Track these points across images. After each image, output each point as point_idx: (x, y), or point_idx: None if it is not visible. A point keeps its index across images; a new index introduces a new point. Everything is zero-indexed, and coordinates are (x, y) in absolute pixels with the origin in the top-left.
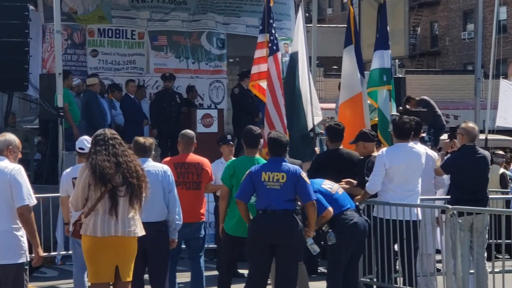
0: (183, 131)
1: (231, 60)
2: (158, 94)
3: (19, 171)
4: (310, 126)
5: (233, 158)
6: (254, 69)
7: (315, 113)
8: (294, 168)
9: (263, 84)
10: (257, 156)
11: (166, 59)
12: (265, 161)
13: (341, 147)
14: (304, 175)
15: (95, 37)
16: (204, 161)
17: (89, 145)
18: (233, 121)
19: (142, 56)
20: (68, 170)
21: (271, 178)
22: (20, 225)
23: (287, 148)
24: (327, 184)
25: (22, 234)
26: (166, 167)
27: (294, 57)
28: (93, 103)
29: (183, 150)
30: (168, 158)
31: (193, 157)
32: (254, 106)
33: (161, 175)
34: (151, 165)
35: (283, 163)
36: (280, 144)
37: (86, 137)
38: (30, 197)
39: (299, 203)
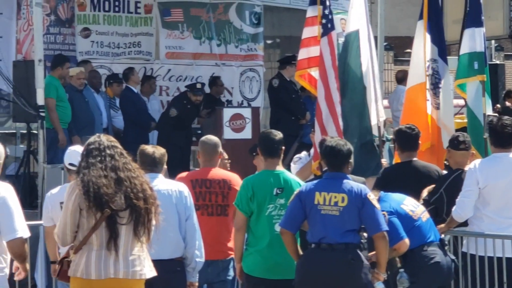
0: (204, 138)
1: (269, 42)
2: (178, 106)
3: (9, 193)
4: (375, 130)
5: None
6: (302, 54)
7: (380, 114)
8: (359, 187)
9: (315, 73)
10: (280, 168)
11: (183, 40)
12: (291, 176)
13: (415, 158)
14: (372, 197)
15: (87, 11)
16: (233, 177)
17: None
18: (272, 123)
19: (150, 37)
20: (54, 191)
21: (328, 201)
22: (5, 264)
23: (350, 160)
24: (409, 205)
25: (5, 274)
26: (182, 186)
27: (351, 38)
28: (75, 100)
29: (205, 162)
30: (184, 174)
31: (217, 172)
32: (300, 103)
33: (176, 196)
34: (163, 183)
35: (344, 181)
36: (340, 154)
37: (78, 147)
38: (24, 228)
39: (365, 234)
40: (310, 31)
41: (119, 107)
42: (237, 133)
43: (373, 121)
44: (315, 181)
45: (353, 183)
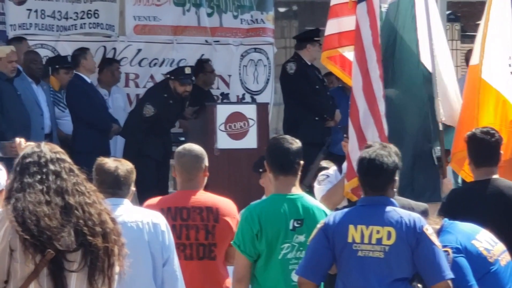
0: (181, 147)
1: (282, 10)
2: (156, 102)
3: None
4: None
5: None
6: (331, 27)
7: (447, 113)
8: (412, 218)
9: (350, 54)
10: (298, 191)
11: (158, 7)
12: (314, 202)
13: (496, 176)
14: (430, 231)
15: None
16: (222, 203)
17: (1, 181)
18: (287, 127)
19: (112, 3)
20: None
21: (368, 238)
22: None
23: (396, 178)
24: (485, 241)
25: None
26: (157, 216)
27: (403, 4)
28: (3, 93)
29: (182, 183)
30: (154, 200)
31: (199, 197)
32: (326, 98)
33: (149, 231)
34: (130, 213)
35: (390, 209)
36: (382, 170)
37: None
38: None
39: (419, 286)
40: None
41: (65, 101)
42: (236, 141)
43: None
44: (347, 210)
45: (403, 211)
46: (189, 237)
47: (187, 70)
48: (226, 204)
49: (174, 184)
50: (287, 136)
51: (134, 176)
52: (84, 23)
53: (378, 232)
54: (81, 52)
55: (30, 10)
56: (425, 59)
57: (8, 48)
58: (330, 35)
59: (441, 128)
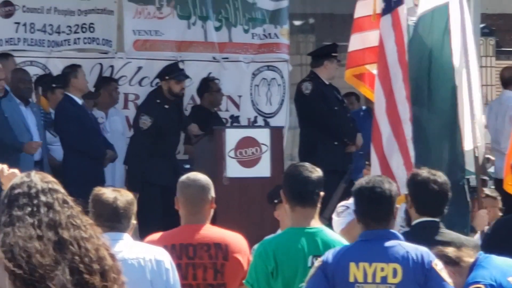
0: (185, 177)
1: (298, 23)
2: (150, 109)
3: None
4: (470, 163)
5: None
6: (355, 42)
7: (478, 138)
8: (419, 252)
9: (375, 71)
10: (317, 224)
11: (161, 20)
12: (334, 237)
13: None
14: (439, 266)
15: None
16: (232, 239)
17: None
18: (303, 153)
19: (109, 15)
20: None
21: (371, 276)
22: None
23: (398, 206)
24: None
25: None
26: (161, 252)
27: (435, 16)
28: None
29: (187, 216)
30: (157, 235)
31: (207, 232)
32: (345, 120)
33: (152, 269)
34: (131, 249)
35: (394, 243)
36: (383, 199)
37: None
38: None
39: None
40: (366, 7)
41: (54, 125)
42: (247, 168)
43: (467, 147)
44: (347, 246)
45: (409, 245)
46: (196, 277)
47: (181, 65)
48: (236, 240)
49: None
50: (307, 164)
51: (135, 208)
52: (78, 38)
53: (382, 269)
54: (71, 70)
55: (18, 23)
56: (459, 79)
57: None
58: (354, 51)
59: (477, 154)
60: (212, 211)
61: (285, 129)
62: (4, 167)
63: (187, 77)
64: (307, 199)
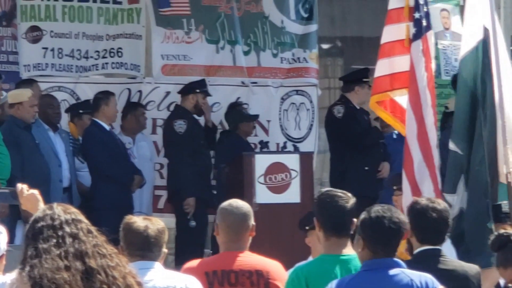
0: (227, 203)
1: (326, 47)
2: (182, 116)
3: None
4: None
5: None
6: (382, 67)
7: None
8: (422, 279)
9: (402, 99)
10: (350, 251)
11: (189, 45)
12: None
13: None
14: None
15: (36, 1)
16: (272, 266)
17: (2, 245)
18: (334, 178)
19: (137, 40)
20: None
21: None
22: None
23: (400, 236)
24: None
25: None
26: (193, 282)
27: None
28: (21, 143)
29: (228, 243)
30: (195, 262)
31: (247, 258)
32: (378, 145)
33: None
34: (162, 277)
35: (398, 271)
36: (389, 228)
37: None
38: None
39: None
40: (394, 32)
41: (82, 152)
42: (277, 194)
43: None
44: (349, 277)
45: (413, 273)
46: None
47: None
48: (276, 267)
49: (211, 243)
50: (339, 191)
51: (166, 237)
52: (106, 63)
53: None
54: (104, 97)
55: (46, 48)
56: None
57: (28, 91)
58: (380, 76)
59: (510, 179)
60: (250, 239)
61: (315, 154)
62: (24, 187)
63: (210, 95)
64: (342, 228)
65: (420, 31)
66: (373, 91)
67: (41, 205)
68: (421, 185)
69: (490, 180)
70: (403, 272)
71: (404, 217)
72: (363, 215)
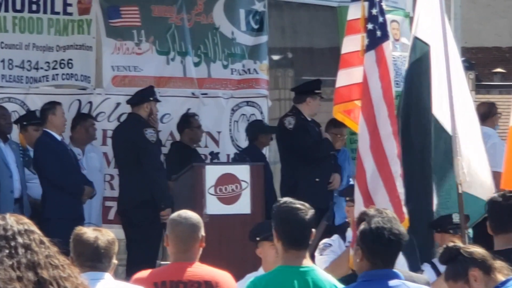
0: (176, 214)
1: (277, 58)
2: (147, 126)
3: None
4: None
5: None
6: (342, 78)
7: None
8: None
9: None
10: (309, 263)
11: (139, 56)
12: (325, 276)
13: None
14: None
15: None
16: (222, 277)
17: None
18: (285, 189)
19: (87, 51)
20: None
21: None
22: None
23: (400, 248)
24: None
25: None
26: None
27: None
28: None
29: (177, 254)
30: (145, 273)
31: (197, 270)
32: (329, 157)
33: None
34: None
35: (396, 282)
36: (389, 240)
37: None
38: None
39: None
40: (352, 42)
41: (33, 164)
42: (227, 205)
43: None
44: (350, 287)
45: (413, 285)
46: None
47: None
48: (225, 278)
49: (162, 254)
50: (298, 203)
51: (116, 248)
52: (57, 74)
53: None
54: (50, 107)
55: None
56: (440, 115)
57: None
58: (341, 87)
59: (460, 191)
60: (201, 250)
61: (268, 164)
62: None
63: (159, 101)
64: (302, 242)
65: (373, 42)
66: (335, 101)
67: None
68: (374, 195)
69: (436, 189)
70: (403, 284)
71: (403, 229)
72: (362, 226)
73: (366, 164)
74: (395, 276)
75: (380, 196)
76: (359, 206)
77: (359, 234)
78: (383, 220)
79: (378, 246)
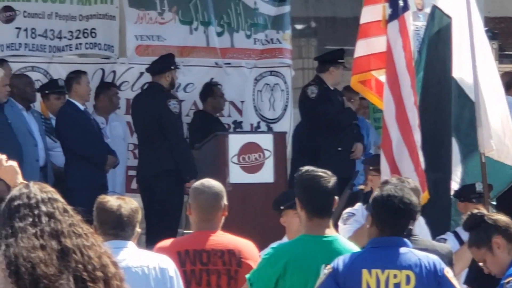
0: (199, 183)
1: (300, 27)
2: (170, 96)
3: None
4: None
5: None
6: (361, 48)
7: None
8: (430, 260)
9: (383, 78)
10: (332, 232)
11: (162, 26)
12: (348, 245)
13: None
14: (451, 274)
15: None
16: (245, 246)
17: None
18: (306, 158)
19: (111, 21)
20: None
21: (384, 283)
22: None
23: (415, 217)
24: None
25: None
26: (166, 261)
27: (443, 24)
28: None
29: (200, 223)
30: (167, 242)
31: (220, 238)
32: (351, 126)
33: (156, 276)
34: (135, 257)
35: (405, 250)
36: (398, 208)
37: None
38: None
39: None
40: (372, 12)
41: (56, 132)
42: (250, 174)
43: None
44: (357, 252)
45: (420, 253)
46: (210, 283)
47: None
48: (248, 247)
49: (185, 223)
50: (320, 171)
51: (139, 216)
52: (80, 43)
53: (395, 276)
54: (75, 76)
55: (19, 28)
56: (465, 84)
57: (0, 71)
58: (360, 57)
59: (483, 160)
60: (223, 219)
61: (288, 134)
62: (3, 157)
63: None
64: (325, 210)
65: (396, 12)
66: (354, 71)
67: (20, 178)
68: (400, 164)
69: (462, 158)
70: (411, 251)
71: (415, 199)
72: (376, 192)
73: (392, 134)
74: (404, 244)
75: (405, 165)
76: (385, 175)
77: (372, 200)
78: (395, 188)
79: (386, 214)
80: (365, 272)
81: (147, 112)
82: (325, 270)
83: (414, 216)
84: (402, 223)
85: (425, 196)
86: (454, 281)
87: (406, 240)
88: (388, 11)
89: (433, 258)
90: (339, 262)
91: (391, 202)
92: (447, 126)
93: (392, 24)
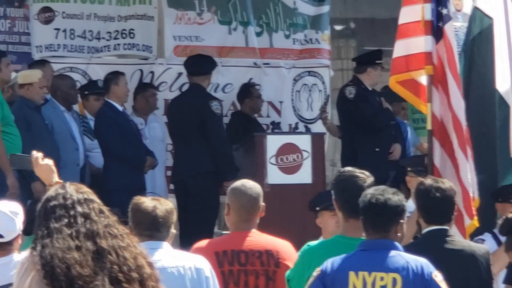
0: (238, 183)
1: (339, 28)
2: (211, 97)
3: None
4: None
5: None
6: (399, 48)
7: None
8: (418, 263)
9: (423, 79)
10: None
11: (201, 26)
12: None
13: None
14: (439, 278)
15: None
16: (283, 246)
17: (18, 225)
18: (345, 159)
19: (149, 21)
20: None
21: (370, 286)
22: None
23: (401, 221)
24: None
25: None
26: (201, 261)
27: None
28: (32, 123)
29: (238, 223)
30: (204, 242)
31: (257, 239)
32: (389, 127)
33: (192, 277)
34: (170, 257)
35: (394, 253)
36: (386, 209)
37: (12, 207)
38: None
39: None
40: (410, 13)
41: (95, 133)
42: (288, 175)
43: None
44: (346, 255)
45: (409, 256)
46: (248, 284)
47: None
48: (286, 247)
49: (219, 224)
50: (357, 171)
51: (174, 217)
52: (118, 44)
53: (382, 279)
54: (114, 77)
55: (58, 29)
56: (503, 88)
57: (38, 72)
58: (398, 57)
59: None
60: (258, 219)
61: (326, 135)
62: (39, 155)
63: None
64: (358, 208)
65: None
66: (392, 72)
67: (56, 176)
68: (449, 165)
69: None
70: (399, 255)
71: (399, 198)
72: (362, 197)
73: (452, 137)
74: (394, 247)
75: (449, 166)
76: (451, 177)
77: (360, 203)
78: (378, 191)
79: (374, 216)
80: (352, 274)
81: (189, 113)
82: (314, 273)
83: (401, 218)
84: (390, 226)
85: (475, 202)
86: (442, 284)
87: (396, 243)
88: (429, 11)
89: (422, 261)
90: (328, 264)
91: (377, 206)
92: (492, 128)
93: (448, 25)
